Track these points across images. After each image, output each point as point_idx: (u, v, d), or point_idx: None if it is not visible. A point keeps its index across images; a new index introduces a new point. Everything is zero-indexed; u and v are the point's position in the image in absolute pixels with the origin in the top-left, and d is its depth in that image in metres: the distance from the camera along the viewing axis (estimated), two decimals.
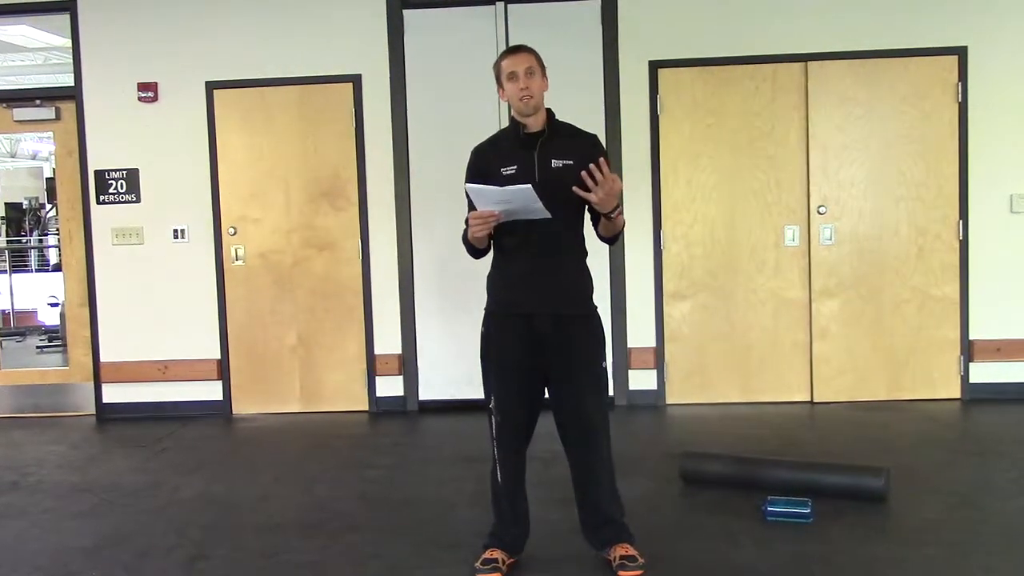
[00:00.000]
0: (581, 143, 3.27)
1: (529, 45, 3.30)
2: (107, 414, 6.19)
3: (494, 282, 3.33)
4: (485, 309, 3.34)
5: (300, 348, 6.11)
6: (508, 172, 3.19)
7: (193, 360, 6.13)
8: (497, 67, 3.28)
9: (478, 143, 3.39)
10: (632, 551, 3.24)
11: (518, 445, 3.33)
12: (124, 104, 6.07)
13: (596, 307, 3.33)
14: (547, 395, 3.31)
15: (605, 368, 3.33)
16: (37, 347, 9.30)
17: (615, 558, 3.24)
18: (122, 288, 6.14)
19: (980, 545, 3.50)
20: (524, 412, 3.29)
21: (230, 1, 6.02)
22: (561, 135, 3.26)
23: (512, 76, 3.20)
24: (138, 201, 6.11)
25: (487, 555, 3.29)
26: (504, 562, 3.28)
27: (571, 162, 3.17)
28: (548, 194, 3.08)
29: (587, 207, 3.23)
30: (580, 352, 3.24)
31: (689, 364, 5.95)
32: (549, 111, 3.28)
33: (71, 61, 6.14)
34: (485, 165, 3.27)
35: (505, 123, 5.78)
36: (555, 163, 3.18)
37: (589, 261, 3.34)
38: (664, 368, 5.95)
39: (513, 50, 3.27)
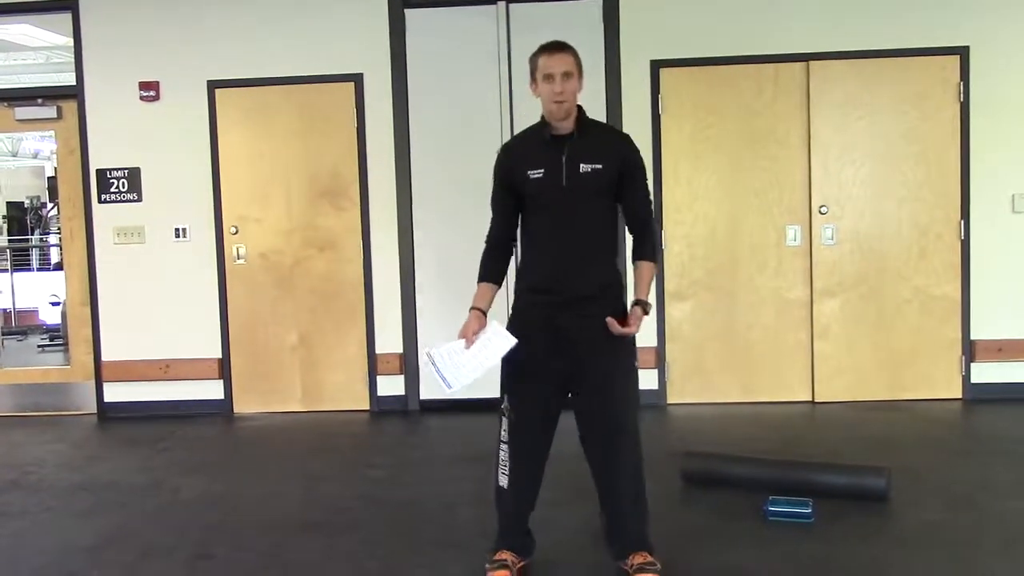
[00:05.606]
0: (610, 144, 3.18)
1: (568, 43, 3.15)
2: (108, 413, 6.19)
3: (519, 283, 3.23)
4: (511, 305, 3.25)
5: (301, 347, 6.11)
6: (535, 176, 3.10)
7: (194, 359, 6.13)
8: (533, 62, 3.11)
9: (507, 141, 3.27)
10: (650, 557, 3.15)
11: (534, 451, 3.21)
12: (125, 103, 6.07)
13: (626, 307, 3.20)
14: (569, 396, 3.20)
15: (636, 368, 3.25)
16: (38, 346, 9.31)
17: (632, 565, 3.15)
18: (123, 287, 6.14)
19: (981, 546, 3.50)
20: (542, 413, 3.18)
21: (232, 0, 6.02)
22: (591, 135, 3.14)
23: (548, 77, 3.05)
24: (139, 200, 6.11)
25: (497, 556, 3.23)
26: (515, 564, 3.21)
27: (600, 166, 3.07)
28: (575, 199, 3.06)
29: (619, 207, 3.20)
30: (610, 347, 3.12)
31: (690, 364, 5.95)
32: (580, 109, 3.14)
33: (72, 60, 6.14)
34: (512, 166, 3.18)
35: (507, 122, 5.87)
36: (583, 167, 3.06)
37: None
38: (665, 368, 5.94)
39: (553, 48, 3.10)
